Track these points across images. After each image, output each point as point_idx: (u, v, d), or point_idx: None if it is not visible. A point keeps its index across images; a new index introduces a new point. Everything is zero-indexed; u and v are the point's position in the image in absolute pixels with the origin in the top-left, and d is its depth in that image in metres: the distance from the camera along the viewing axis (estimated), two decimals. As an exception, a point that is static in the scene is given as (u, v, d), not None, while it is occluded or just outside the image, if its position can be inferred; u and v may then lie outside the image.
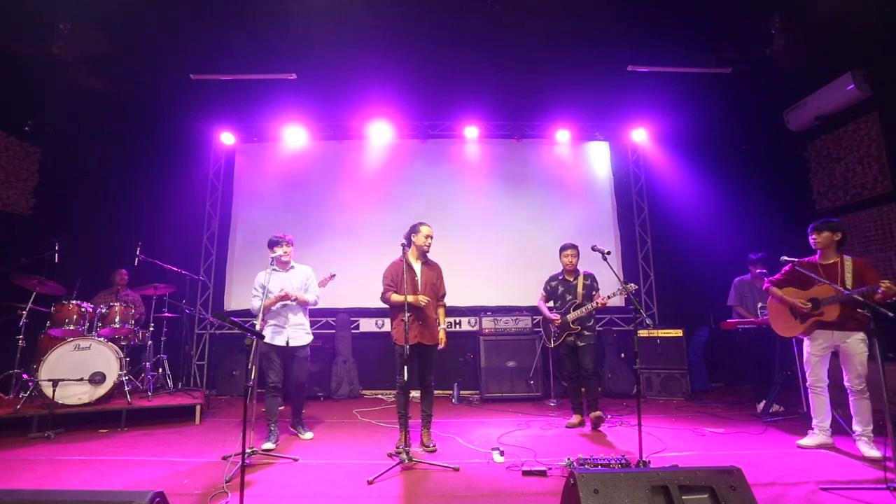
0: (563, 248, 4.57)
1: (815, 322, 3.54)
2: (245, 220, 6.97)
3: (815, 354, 3.58)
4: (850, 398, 3.44)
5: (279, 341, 3.79)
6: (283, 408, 3.95)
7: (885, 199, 5.07)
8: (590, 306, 4.30)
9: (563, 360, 4.61)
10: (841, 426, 3.68)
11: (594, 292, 4.42)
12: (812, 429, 3.62)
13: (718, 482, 1.97)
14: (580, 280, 4.49)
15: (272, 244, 3.93)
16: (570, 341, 4.41)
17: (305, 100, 6.20)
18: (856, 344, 3.38)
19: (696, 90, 5.91)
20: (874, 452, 3.27)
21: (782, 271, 3.76)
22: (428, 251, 3.86)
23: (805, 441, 3.60)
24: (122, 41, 4.87)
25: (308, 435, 3.95)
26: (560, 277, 4.63)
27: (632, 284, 3.87)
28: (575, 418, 4.44)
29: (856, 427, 3.42)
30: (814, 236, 3.56)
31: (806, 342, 3.67)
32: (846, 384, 3.44)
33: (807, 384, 3.67)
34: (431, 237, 3.83)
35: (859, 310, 3.10)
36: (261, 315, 3.59)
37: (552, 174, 7.09)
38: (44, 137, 6.02)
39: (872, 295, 3.16)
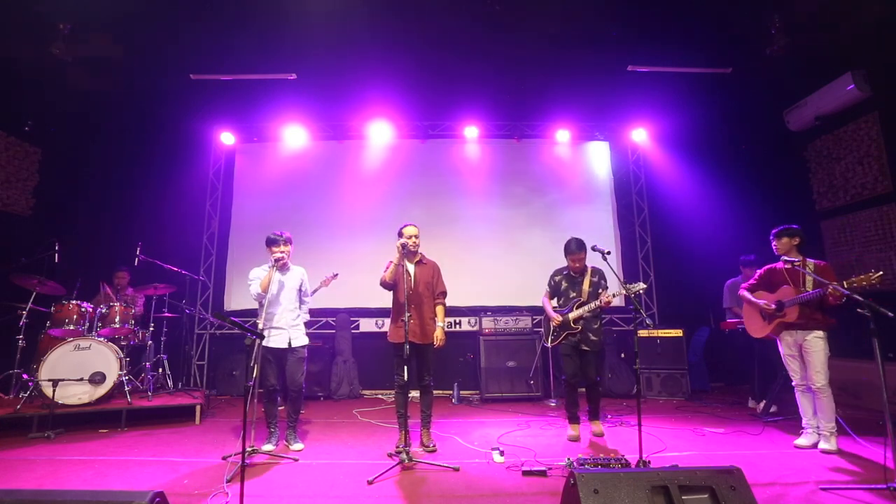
0: (569, 251, 4.12)
1: (780, 323, 3.70)
2: (245, 221, 6.96)
3: (787, 355, 3.74)
4: (814, 397, 3.58)
5: (280, 343, 3.74)
6: (282, 408, 3.92)
7: (885, 199, 5.08)
8: (593, 305, 3.96)
9: (563, 360, 4.12)
10: (840, 426, 3.66)
11: (601, 290, 4.00)
12: (804, 428, 3.68)
13: (718, 482, 1.97)
14: (587, 277, 4.11)
15: (269, 243, 3.82)
16: (574, 342, 4.07)
17: (305, 100, 6.20)
18: (815, 342, 3.56)
19: (696, 90, 5.91)
20: (828, 445, 3.44)
21: (755, 276, 3.98)
22: (415, 250, 3.80)
23: (801, 441, 3.65)
24: (123, 41, 4.87)
25: (298, 446, 3.72)
26: (565, 273, 4.26)
27: (640, 284, 3.60)
28: (573, 430, 4.04)
29: (819, 423, 3.55)
30: (774, 243, 3.82)
31: (779, 344, 3.81)
32: (809, 383, 3.57)
33: (792, 384, 3.77)
34: (415, 237, 3.77)
35: (858, 309, 3.06)
36: (265, 305, 3.58)
37: (552, 174, 7.09)
38: (44, 137, 6.01)
39: (825, 298, 3.43)
